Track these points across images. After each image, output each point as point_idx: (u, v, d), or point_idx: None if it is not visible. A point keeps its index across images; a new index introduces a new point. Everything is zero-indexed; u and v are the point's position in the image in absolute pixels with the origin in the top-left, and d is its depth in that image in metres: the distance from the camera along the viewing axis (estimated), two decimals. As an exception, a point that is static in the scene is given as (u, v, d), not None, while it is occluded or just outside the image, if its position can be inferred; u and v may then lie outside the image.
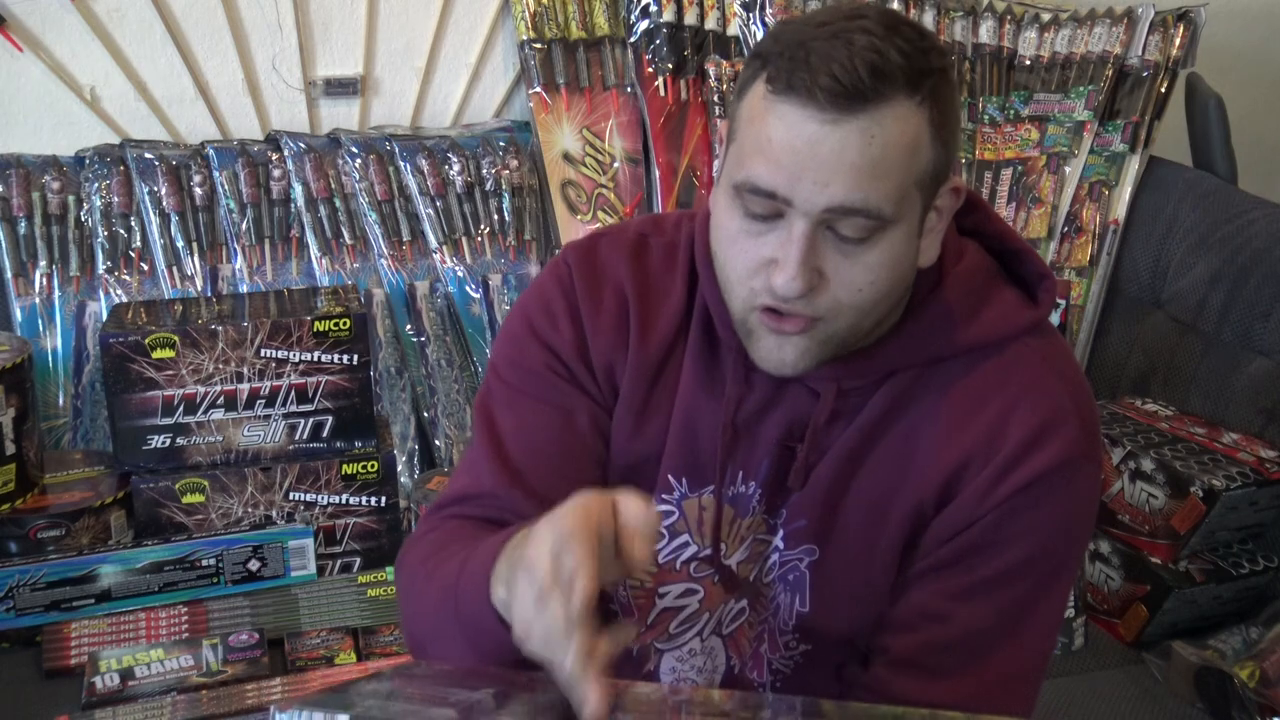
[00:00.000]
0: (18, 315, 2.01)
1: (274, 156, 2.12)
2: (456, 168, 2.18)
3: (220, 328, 1.77)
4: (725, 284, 0.98)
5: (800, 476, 1.03)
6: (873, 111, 0.88)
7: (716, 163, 1.04)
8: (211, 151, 2.11)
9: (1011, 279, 1.06)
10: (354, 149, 2.15)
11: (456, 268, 2.18)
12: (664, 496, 1.07)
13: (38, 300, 2.02)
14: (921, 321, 1.00)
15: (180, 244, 2.08)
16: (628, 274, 1.08)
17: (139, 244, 2.06)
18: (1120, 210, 2.34)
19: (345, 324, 1.81)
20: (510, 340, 1.11)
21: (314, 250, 2.13)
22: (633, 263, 1.08)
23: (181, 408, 1.79)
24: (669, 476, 1.07)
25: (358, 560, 1.88)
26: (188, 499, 1.81)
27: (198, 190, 2.09)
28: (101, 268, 2.05)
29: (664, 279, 1.08)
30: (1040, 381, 1.01)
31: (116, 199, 2.05)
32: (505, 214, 2.21)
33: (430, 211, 2.17)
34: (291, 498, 1.84)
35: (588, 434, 1.07)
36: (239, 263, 2.10)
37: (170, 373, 1.77)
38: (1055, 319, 2.08)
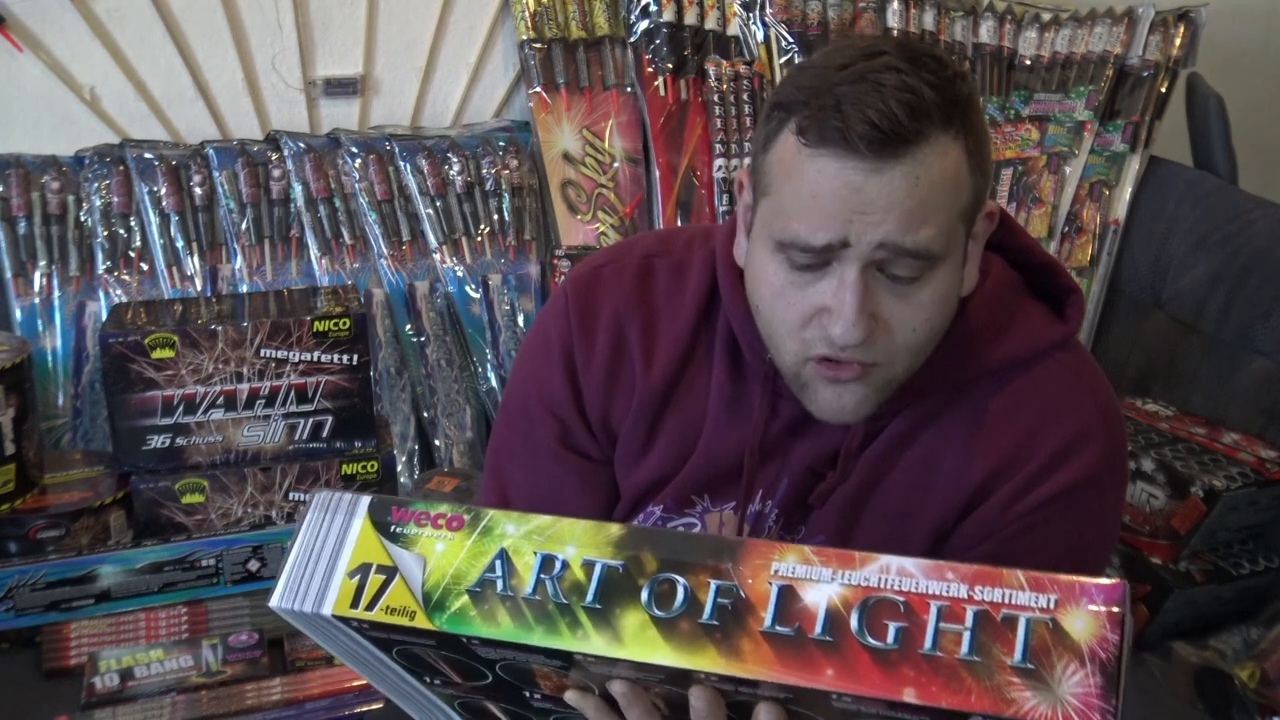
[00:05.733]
0: (17, 315, 2.01)
1: (274, 156, 2.12)
2: (456, 168, 2.18)
3: (220, 328, 1.77)
4: (774, 338, 0.96)
5: (822, 496, 1.03)
6: (914, 152, 0.86)
7: (740, 206, 1.01)
8: (211, 151, 2.11)
9: (1038, 292, 1.05)
10: (354, 149, 2.15)
11: (456, 268, 2.17)
12: (687, 511, 1.08)
13: (37, 300, 2.02)
14: (950, 345, 0.99)
15: (180, 244, 2.08)
16: (629, 303, 1.07)
17: (139, 244, 2.06)
18: (1120, 210, 2.34)
19: (345, 324, 1.81)
20: (517, 387, 1.14)
21: (314, 250, 2.13)
22: (636, 290, 1.07)
23: (181, 408, 1.79)
24: (691, 495, 1.07)
25: (357, 560, 1.87)
26: (187, 499, 1.81)
27: (197, 190, 2.09)
28: (101, 268, 2.05)
29: (671, 303, 1.07)
30: (1070, 398, 1.00)
31: (116, 199, 2.05)
32: (505, 214, 2.21)
33: (430, 211, 2.17)
34: (291, 498, 1.84)
35: (594, 493, 1.10)
36: (239, 263, 2.10)
37: (170, 373, 1.77)
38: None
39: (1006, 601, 0.66)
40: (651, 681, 0.74)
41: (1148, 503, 1.83)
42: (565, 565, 0.72)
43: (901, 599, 0.67)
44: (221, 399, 1.80)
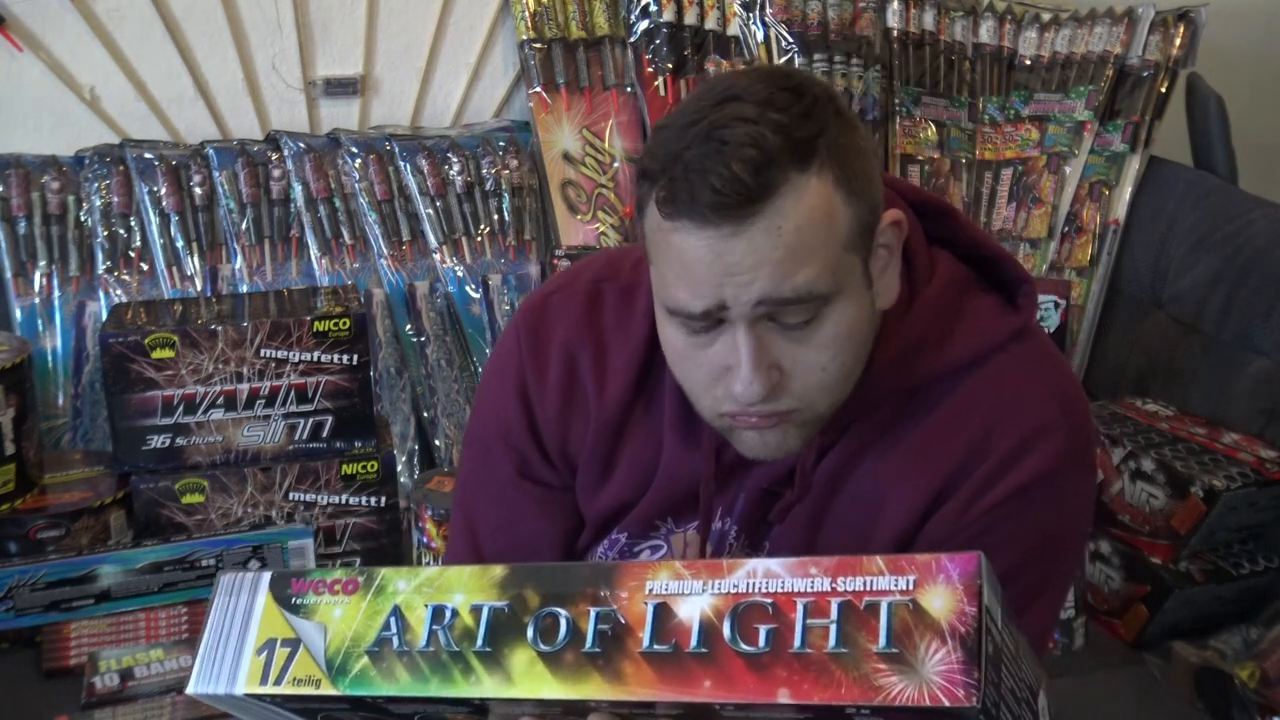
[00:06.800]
0: (17, 315, 2.01)
1: (274, 156, 2.12)
2: (456, 168, 2.18)
3: (220, 328, 1.77)
4: (689, 394, 0.96)
5: (781, 513, 1.02)
6: (768, 206, 0.84)
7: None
8: (211, 151, 2.11)
9: (990, 284, 1.03)
10: (354, 149, 2.15)
11: (456, 268, 2.18)
12: (651, 535, 1.07)
13: (37, 300, 2.02)
14: (897, 352, 0.97)
15: (180, 244, 2.08)
16: (579, 330, 1.06)
17: (139, 244, 2.06)
18: (1120, 210, 2.34)
19: (345, 324, 1.81)
20: (477, 418, 1.14)
21: (314, 250, 2.13)
22: (585, 317, 1.06)
23: (181, 408, 1.79)
24: (655, 520, 1.06)
25: (358, 560, 1.88)
26: (187, 499, 1.81)
27: (197, 190, 2.09)
28: (101, 268, 2.05)
29: (620, 327, 1.06)
30: (1026, 392, 0.98)
31: (116, 199, 2.05)
32: (505, 214, 2.21)
33: (430, 211, 2.17)
34: (291, 498, 1.84)
35: (555, 519, 1.09)
36: (239, 263, 2.10)
37: (170, 373, 1.77)
38: (1056, 319, 2.08)
39: (868, 589, 0.66)
40: (554, 715, 0.75)
41: (1148, 503, 1.83)
42: (455, 613, 0.74)
43: (769, 600, 0.68)
44: (221, 399, 1.80)
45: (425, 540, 1.81)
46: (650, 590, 0.70)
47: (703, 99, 0.87)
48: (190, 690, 0.78)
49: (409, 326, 2.17)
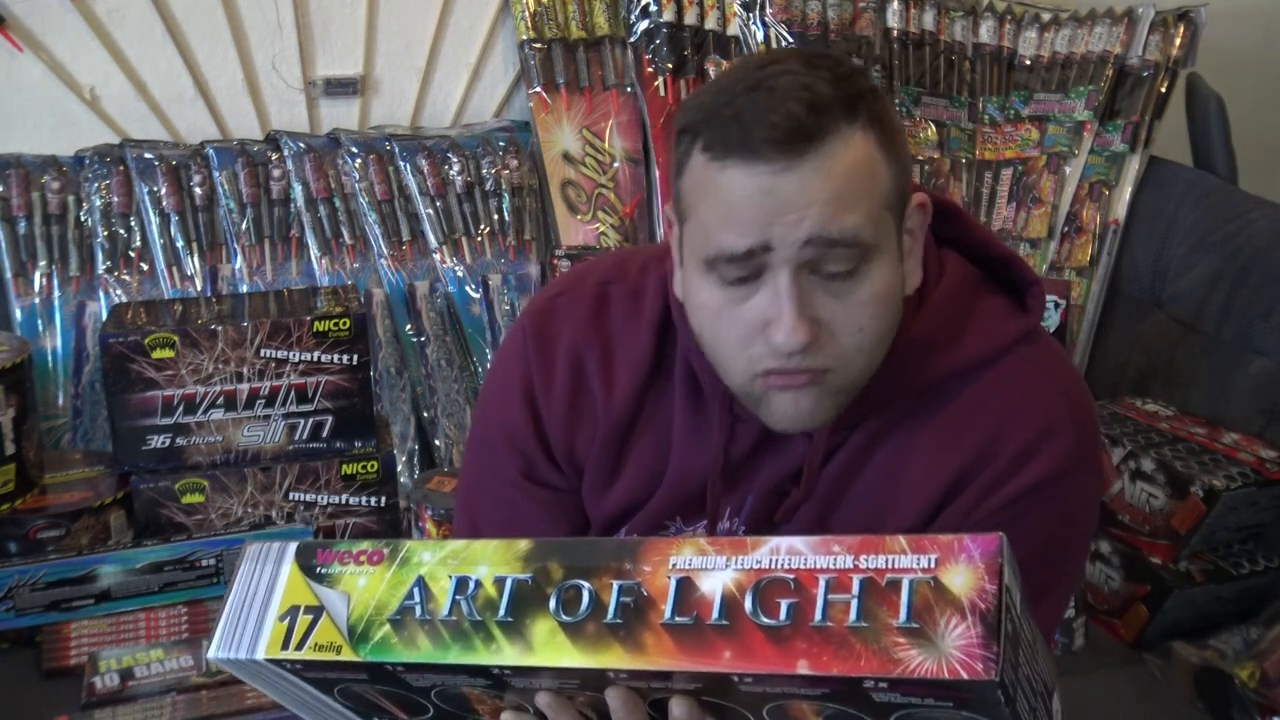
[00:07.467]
0: (17, 315, 2.01)
1: (274, 156, 2.12)
2: (456, 168, 2.18)
3: (220, 328, 1.77)
4: (720, 360, 0.95)
5: (788, 512, 1.02)
6: (820, 147, 0.85)
7: (672, 241, 1.01)
8: (211, 151, 2.11)
9: (998, 285, 1.04)
10: (354, 149, 2.15)
11: (456, 268, 2.18)
12: (660, 535, 1.07)
13: (37, 300, 2.02)
14: (909, 351, 0.97)
15: (180, 244, 2.08)
16: (586, 333, 1.06)
17: (139, 244, 2.06)
18: (1120, 210, 2.34)
19: (345, 324, 1.81)
20: (481, 421, 1.14)
21: (314, 250, 2.13)
22: (592, 319, 1.06)
23: (181, 408, 1.79)
24: (664, 520, 1.07)
25: (358, 560, 1.87)
26: (187, 499, 1.81)
27: (197, 190, 2.09)
28: (101, 268, 2.05)
29: (627, 330, 1.05)
30: (1034, 393, 0.99)
31: (116, 199, 2.05)
32: (505, 214, 2.21)
33: (430, 211, 2.17)
34: (291, 498, 1.84)
35: (560, 522, 1.09)
36: (239, 263, 2.10)
37: (170, 373, 1.77)
38: (1056, 319, 2.08)
39: (890, 566, 0.67)
40: (573, 690, 0.75)
41: (1148, 503, 1.83)
42: (478, 584, 0.75)
43: (792, 576, 0.69)
44: (221, 399, 1.80)
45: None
46: (674, 565, 0.71)
47: (741, 69, 0.89)
48: (210, 655, 0.79)
49: (409, 326, 2.17)
